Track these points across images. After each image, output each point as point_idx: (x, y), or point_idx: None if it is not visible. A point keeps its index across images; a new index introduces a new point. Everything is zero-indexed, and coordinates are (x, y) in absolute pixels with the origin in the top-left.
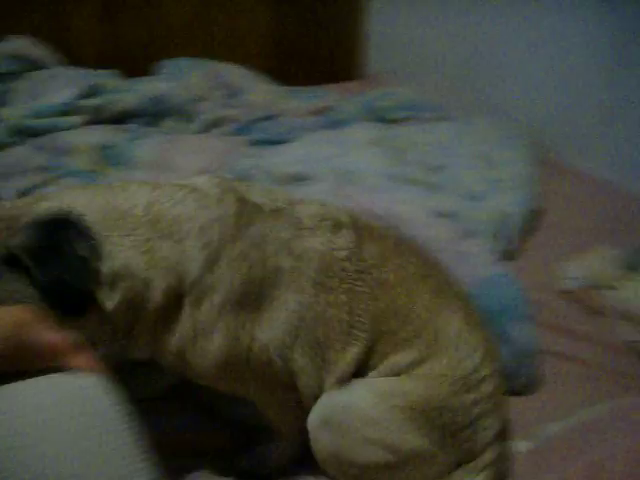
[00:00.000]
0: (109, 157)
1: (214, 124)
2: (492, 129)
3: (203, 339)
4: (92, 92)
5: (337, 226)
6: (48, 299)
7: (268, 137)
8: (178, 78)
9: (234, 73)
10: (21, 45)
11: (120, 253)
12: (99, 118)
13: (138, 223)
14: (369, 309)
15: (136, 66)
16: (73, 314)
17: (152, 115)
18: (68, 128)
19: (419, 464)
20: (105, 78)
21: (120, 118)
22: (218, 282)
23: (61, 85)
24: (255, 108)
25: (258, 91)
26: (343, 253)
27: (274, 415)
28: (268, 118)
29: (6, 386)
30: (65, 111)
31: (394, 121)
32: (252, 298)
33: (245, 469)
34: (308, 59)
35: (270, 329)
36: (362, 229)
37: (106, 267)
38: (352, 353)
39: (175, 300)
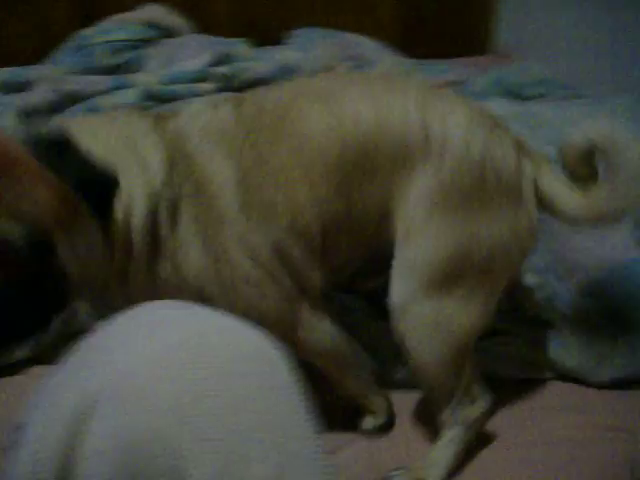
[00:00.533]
0: None
1: None
2: (625, 107)
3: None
4: (223, 60)
5: (218, 103)
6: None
7: None
8: (308, 48)
9: (364, 44)
10: (155, 13)
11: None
12: (230, 86)
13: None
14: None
15: (267, 35)
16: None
17: None
18: (200, 95)
19: None
20: (236, 46)
21: (250, 86)
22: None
23: (193, 53)
24: None
25: (387, 63)
26: (231, 119)
27: None
28: None
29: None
30: (197, 78)
31: (528, 98)
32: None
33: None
34: (437, 32)
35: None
36: (239, 99)
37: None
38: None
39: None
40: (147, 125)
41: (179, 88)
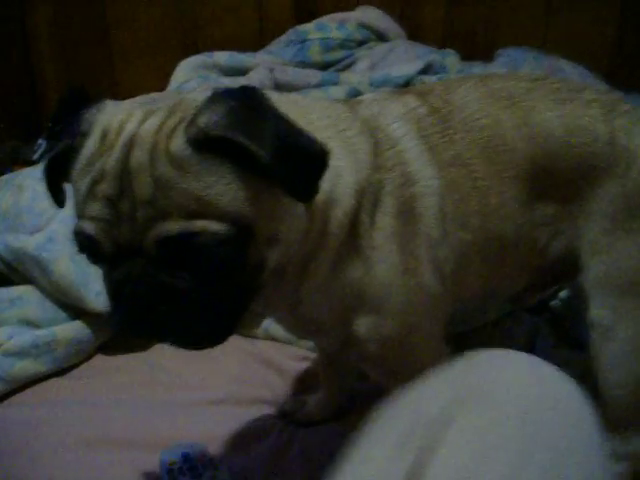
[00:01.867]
0: None
1: None
2: None
3: None
4: (429, 69)
5: (399, 93)
6: (284, 183)
7: None
8: (512, 67)
9: (570, 69)
10: (371, 15)
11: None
12: None
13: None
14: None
15: (475, 50)
16: (308, 197)
17: None
18: None
19: None
20: (443, 57)
21: None
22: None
23: (402, 58)
24: None
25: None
26: (421, 110)
27: None
28: None
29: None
30: (405, 84)
31: None
32: None
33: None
34: None
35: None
36: (413, 90)
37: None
38: None
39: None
40: (346, 109)
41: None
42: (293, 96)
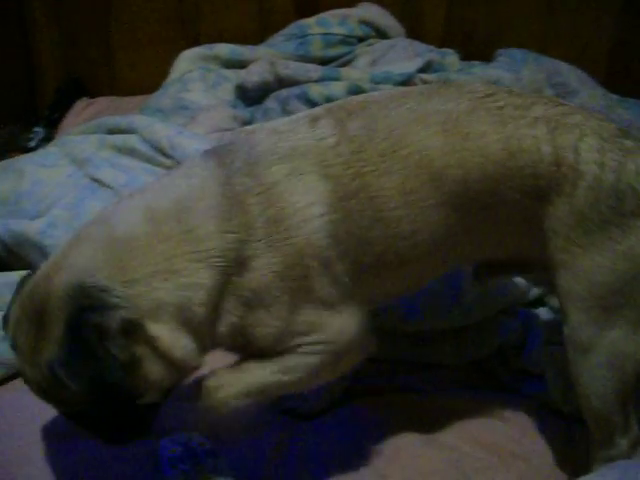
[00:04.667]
0: None
1: None
2: None
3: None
4: (428, 67)
5: (313, 120)
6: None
7: None
8: (512, 68)
9: (569, 73)
10: (372, 12)
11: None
12: None
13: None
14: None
15: (475, 49)
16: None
17: None
18: None
19: None
20: (443, 56)
21: None
22: None
23: (402, 56)
24: None
25: (590, 96)
26: (329, 140)
27: None
28: None
29: None
30: (404, 82)
31: None
32: None
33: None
34: None
35: None
36: (337, 112)
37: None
38: None
39: None
40: (202, 178)
41: (386, 88)
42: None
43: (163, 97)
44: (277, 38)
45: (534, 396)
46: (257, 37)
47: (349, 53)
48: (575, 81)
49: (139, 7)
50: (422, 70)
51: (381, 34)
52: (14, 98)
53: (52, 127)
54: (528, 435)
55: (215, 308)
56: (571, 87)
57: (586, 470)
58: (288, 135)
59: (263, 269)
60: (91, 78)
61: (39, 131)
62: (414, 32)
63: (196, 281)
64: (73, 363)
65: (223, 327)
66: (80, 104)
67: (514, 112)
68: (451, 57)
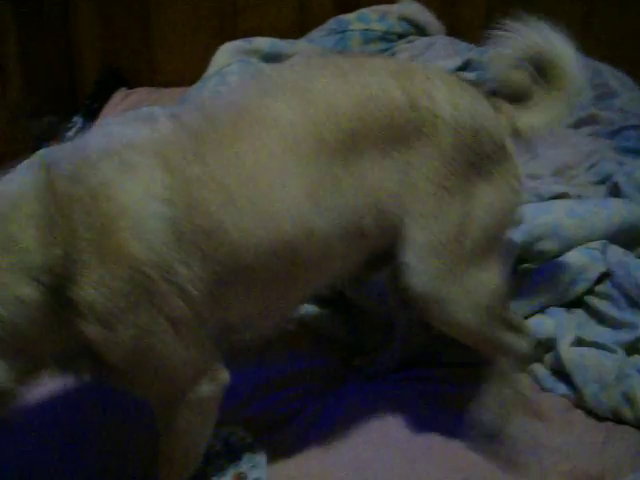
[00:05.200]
0: None
1: (585, 122)
2: None
3: None
4: (467, 66)
5: (152, 119)
6: None
7: (633, 146)
8: None
9: (611, 75)
10: (412, 10)
11: None
12: None
13: None
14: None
15: None
16: None
17: None
18: None
19: None
20: (483, 55)
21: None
22: None
23: (441, 54)
24: (627, 114)
25: (630, 98)
26: (164, 131)
27: None
28: (636, 127)
29: None
30: None
31: None
32: None
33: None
34: None
35: None
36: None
37: None
38: None
39: None
40: (22, 183)
41: None
42: None
43: (202, 89)
44: (316, 33)
45: (568, 396)
46: (295, 32)
47: (388, 50)
48: (615, 83)
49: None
50: (461, 68)
51: (421, 31)
52: (54, 88)
53: (91, 117)
54: (563, 434)
55: (47, 325)
56: (611, 88)
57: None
58: (122, 132)
59: (97, 284)
60: (130, 69)
61: (78, 121)
62: (454, 30)
63: (19, 296)
64: None
65: (60, 346)
66: (119, 94)
67: (350, 65)
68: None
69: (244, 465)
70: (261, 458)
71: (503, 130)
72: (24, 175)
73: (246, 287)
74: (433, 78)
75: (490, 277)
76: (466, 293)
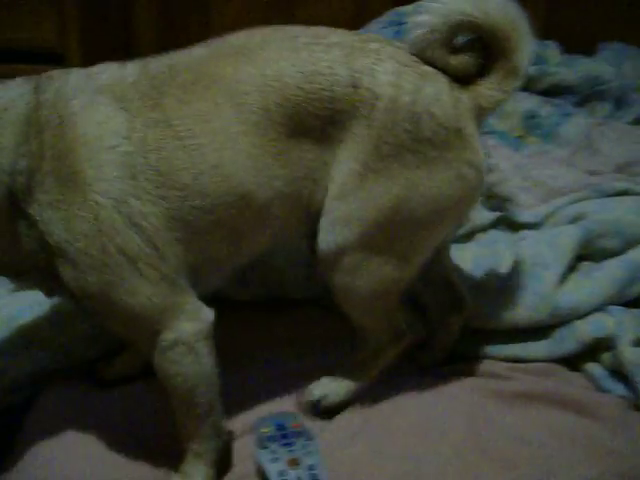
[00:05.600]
0: (532, 126)
1: None
2: None
3: None
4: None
5: (122, 65)
6: None
7: None
8: (613, 62)
9: None
10: None
11: None
12: (531, 87)
13: None
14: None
15: (576, 43)
16: None
17: (584, 95)
18: None
19: None
20: (544, 48)
21: (550, 91)
22: None
23: None
24: None
25: None
26: (130, 78)
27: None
28: None
29: None
30: None
31: None
32: None
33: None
34: None
35: None
36: (148, 59)
37: None
38: None
39: None
40: (16, 93)
41: None
42: None
43: None
44: (374, 25)
45: (627, 396)
46: (351, 24)
47: None
48: None
49: None
50: None
51: None
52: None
53: None
54: (619, 434)
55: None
56: None
57: None
58: (97, 76)
59: (52, 206)
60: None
61: None
62: None
63: None
64: None
65: (17, 256)
66: None
67: (308, 40)
68: (552, 50)
69: (298, 451)
70: (314, 445)
71: (463, 113)
72: (20, 87)
73: (200, 228)
74: (385, 58)
75: (394, 271)
76: (367, 274)
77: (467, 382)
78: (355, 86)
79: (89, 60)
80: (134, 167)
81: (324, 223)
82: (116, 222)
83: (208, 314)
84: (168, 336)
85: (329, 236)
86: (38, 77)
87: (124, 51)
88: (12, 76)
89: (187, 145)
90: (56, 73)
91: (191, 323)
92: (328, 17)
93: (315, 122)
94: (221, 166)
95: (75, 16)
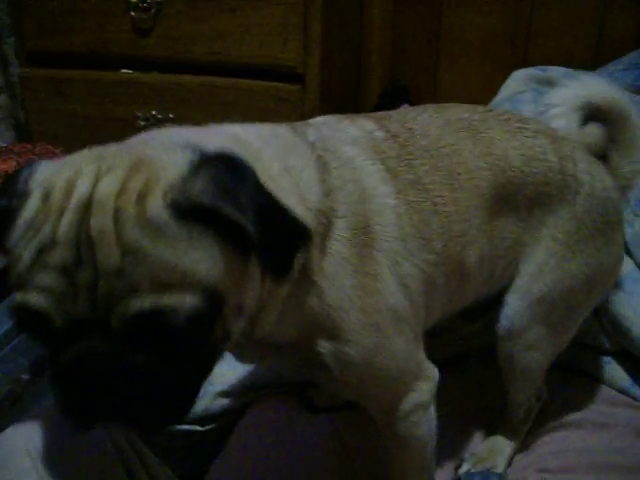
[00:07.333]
0: None
1: None
2: None
3: None
4: None
5: (352, 117)
6: (264, 257)
7: None
8: None
9: None
10: None
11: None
12: None
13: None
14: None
15: None
16: (285, 272)
17: None
18: None
19: None
20: None
21: None
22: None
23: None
24: None
25: None
26: (379, 134)
27: None
28: None
29: None
30: None
31: None
32: None
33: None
34: None
35: None
36: (376, 116)
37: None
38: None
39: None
40: (291, 134)
41: None
42: (231, 129)
43: None
44: (614, 66)
45: None
46: (590, 62)
47: None
48: None
49: (471, 21)
50: None
51: None
52: (340, 99)
53: None
54: None
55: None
56: None
57: None
58: (342, 128)
59: (338, 250)
60: (414, 85)
61: None
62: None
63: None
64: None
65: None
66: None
67: (517, 124)
68: None
69: None
70: None
71: (620, 197)
72: (283, 130)
73: (439, 293)
74: (577, 147)
75: (565, 342)
76: (545, 347)
77: None
78: (563, 173)
79: (326, 83)
80: (403, 228)
81: (512, 299)
82: (391, 283)
83: (436, 372)
84: (411, 398)
85: (517, 311)
86: (287, 124)
87: (353, 73)
88: (250, 91)
89: (440, 211)
90: (300, 124)
91: (427, 383)
92: (565, 54)
93: (525, 203)
94: (464, 236)
95: (319, 40)
